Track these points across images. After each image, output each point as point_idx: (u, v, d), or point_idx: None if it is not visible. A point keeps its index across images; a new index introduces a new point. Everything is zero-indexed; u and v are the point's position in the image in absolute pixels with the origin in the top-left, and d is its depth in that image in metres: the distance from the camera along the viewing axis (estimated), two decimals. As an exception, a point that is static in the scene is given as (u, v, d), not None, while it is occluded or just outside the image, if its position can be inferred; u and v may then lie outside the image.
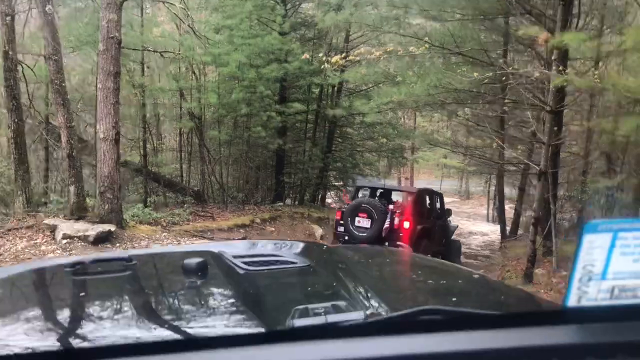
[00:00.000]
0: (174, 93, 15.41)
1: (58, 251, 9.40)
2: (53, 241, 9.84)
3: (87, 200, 11.46)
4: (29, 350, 1.21)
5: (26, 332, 1.35)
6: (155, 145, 15.66)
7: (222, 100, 14.07)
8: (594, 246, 1.01)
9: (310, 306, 1.26)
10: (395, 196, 12.38)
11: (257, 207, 15.77)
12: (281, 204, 16.46)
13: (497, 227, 24.21)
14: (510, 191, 32.31)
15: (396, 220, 10.13)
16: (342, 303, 1.31)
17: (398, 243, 9.89)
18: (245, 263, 1.83)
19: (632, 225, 1.02)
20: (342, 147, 20.40)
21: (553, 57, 6.76)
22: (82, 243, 9.75)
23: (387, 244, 9.87)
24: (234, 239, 13.31)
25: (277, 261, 1.95)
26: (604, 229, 1.01)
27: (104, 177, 10.52)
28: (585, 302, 1.04)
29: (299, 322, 1.19)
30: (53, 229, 10.12)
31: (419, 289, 1.93)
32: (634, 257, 1.02)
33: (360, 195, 11.64)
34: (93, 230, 9.93)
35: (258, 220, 14.71)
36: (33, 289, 1.88)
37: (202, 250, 2.13)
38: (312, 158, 17.14)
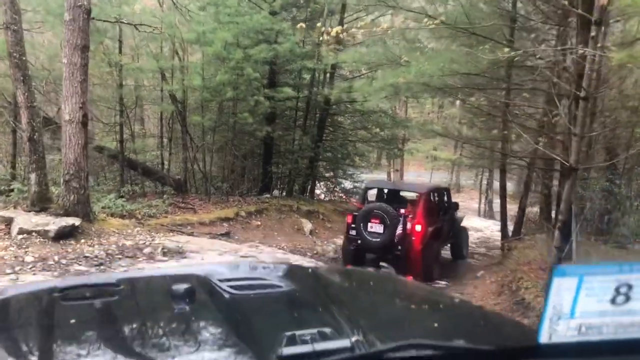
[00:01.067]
0: (155, 74, 14.06)
1: (12, 248, 8.09)
2: (7, 236, 8.52)
3: (53, 189, 10.13)
4: None
5: (11, 356, 1.35)
6: (133, 130, 14.29)
7: (206, 83, 12.74)
8: (562, 288, 1.07)
9: (297, 332, 1.30)
10: (403, 194, 12.18)
11: (243, 199, 14.51)
12: (268, 195, 15.21)
13: (490, 223, 23.24)
14: (509, 187, 31.39)
15: (408, 225, 9.99)
16: (328, 330, 1.36)
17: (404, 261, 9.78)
18: (231, 287, 1.82)
19: (596, 270, 1.08)
20: (334, 137, 19.15)
21: (592, 34, 5.55)
22: (41, 239, 8.46)
23: (399, 248, 9.92)
24: (216, 234, 12.07)
25: (263, 285, 1.94)
26: (571, 272, 1.07)
27: (69, 163, 9.21)
28: (555, 339, 1.09)
29: (287, 351, 1.21)
30: (9, 222, 8.81)
31: (406, 318, 1.91)
32: (598, 298, 1.07)
33: (369, 196, 11.42)
34: (54, 224, 8.63)
35: (243, 213, 13.46)
36: (20, 314, 1.84)
37: (189, 273, 2.11)
38: (302, 147, 15.89)
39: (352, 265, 10.85)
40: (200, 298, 1.77)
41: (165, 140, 14.78)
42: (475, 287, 11.60)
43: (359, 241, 10.16)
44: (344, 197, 19.40)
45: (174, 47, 13.41)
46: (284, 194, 16.70)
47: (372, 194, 11.89)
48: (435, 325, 1.80)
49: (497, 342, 1.59)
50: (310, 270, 2.49)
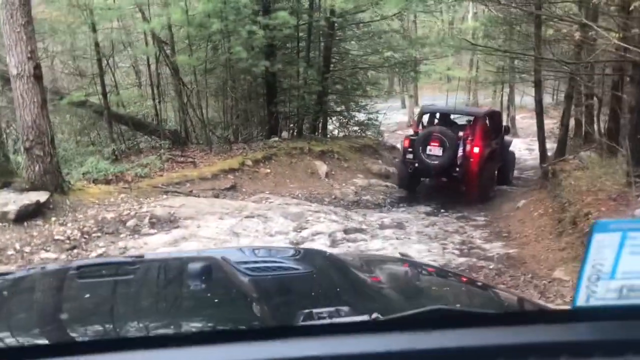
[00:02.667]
0: (132, 12, 12.01)
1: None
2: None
3: (20, 160, 8.43)
4: (27, 343, 1.24)
5: (27, 329, 1.38)
6: (116, 81, 12.37)
7: (191, 19, 10.69)
8: (603, 245, 0.98)
9: (315, 310, 1.27)
10: (456, 118, 12.08)
11: (248, 146, 12.71)
12: (276, 139, 13.38)
13: (517, 140, 21.26)
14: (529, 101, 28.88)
15: (467, 147, 10.12)
16: (345, 308, 1.31)
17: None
18: (248, 269, 1.77)
19: None
20: (342, 67, 17.02)
21: None
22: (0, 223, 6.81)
23: (457, 170, 10.15)
24: (220, 189, 10.38)
25: (280, 267, 1.90)
26: (614, 228, 0.98)
27: (27, 127, 7.45)
28: (593, 302, 1.00)
29: (304, 324, 1.20)
30: (-38, 204, 7.16)
31: (424, 294, 1.90)
32: None
33: (426, 120, 11.53)
34: (15, 203, 6.95)
35: (249, 162, 11.69)
36: (38, 290, 1.82)
37: (205, 256, 2.06)
38: (307, 82, 13.87)
39: (407, 188, 11.21)
40: (216, 277, 1.69)
41: (155, 88, 12.79)
42: (522, 222, 9.80)
43: (417, 164, 10.31)
44: (358, 131, 17.52)
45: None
46: (294, 135, 14.85)
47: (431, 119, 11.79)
48: (461, 299, 1.78)
49: (526, 307, 1.66)
50: (327, 254, 2.43)
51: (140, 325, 1.36)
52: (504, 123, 12.22)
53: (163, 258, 2.50)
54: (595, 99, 11.76)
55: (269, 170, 11.86)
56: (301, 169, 12.46)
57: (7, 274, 1.96)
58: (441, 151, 10.06)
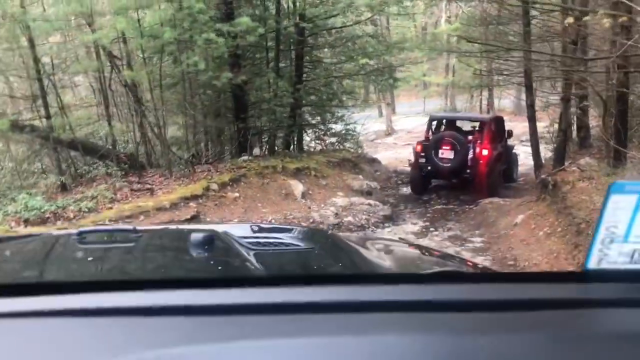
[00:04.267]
0: (80, 24, 10.41)
1: None
2: None
3: None
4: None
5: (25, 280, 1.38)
6: (61, 101, 10.73)
7: (136, 25, 9.15)
8: (618, 207, 0.94)
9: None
10: (461, 124, 12.56)
11: (214, 167, 11.16)
12: (246, 157, 11.86)
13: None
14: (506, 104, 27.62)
15: (477, 150, 10.63)
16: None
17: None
18: (249, 243, 1.69)
19: None
20: (315, 76, 15.58)
21: None
22: None
23: (468, 171, 10.73)
24: (180, 221, 8.82)
25: (282, 243, 1.86)
26: (630, 189, 0.94)
27: None
28: (605, 265, 0.99)
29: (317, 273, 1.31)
30: None
31: (433, 267, 1.82)
32: None
33: (434, 126, 11.98)
34: None
35: (215, 186, 10.15)
36: (40, 253, 1.82)
37: (207, 229, 1.95)
38: (277, 94, 12.39)
39: (420, 191, 11.63)
40: (219, 247, 1.68)
41: (107, 108, 11.17)
42: (526, 245, 8.34)
43: (429, 167, 10.89)
44: (336, 143, 16.09)
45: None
46: (266, 152, 13.36)
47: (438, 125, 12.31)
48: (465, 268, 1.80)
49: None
50: (328, 232, 2.45)
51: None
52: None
53: (165, 228, 2.50)
54: (590, 99, 10.50)
55: (237, 194, 10.33)
56: (274, 190, 10.96)
57: (10, 238, 2.24)
58: (453, 154, 10.60)
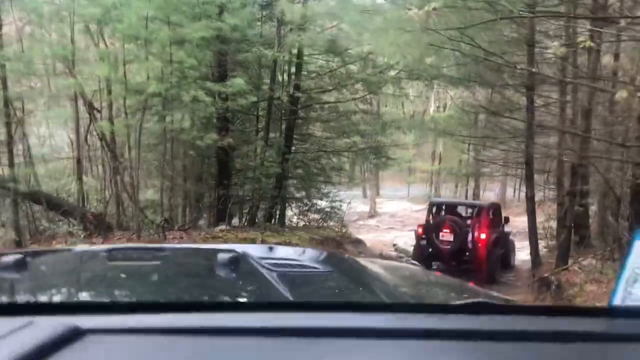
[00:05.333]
0: (60, 69, 9.60)
1: None
2: None
3: None
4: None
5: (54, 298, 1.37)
6: (29, 149, 9.72)
7: (120, 75, 8.36)
8: None
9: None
10: (460, 209, 12.86)
11: (187, 235, 10.06)
12: (224, 227, 10.79)
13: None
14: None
15: (476, 234, 10.89)
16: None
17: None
18: (270, 264, 1.63)
19: None
20: (305, 149, 14.87)
21: None
22: None
23: (467, 254, 10.94)
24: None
25: (301, 265, 1.81)
26: None
27: None
28: (629, 302, 1.08)
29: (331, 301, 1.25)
30: None
31: (460, 297, 1.73)
32: None
33: (434, 210, 12.19)
34: None
35: (185, 256, 9.02)
36: (71, 269, 1.79)
37: (227, 249, 1.82)
38: (264, 162, 11.54)
39: None
40: (243, 268, 1.64)
41: (80, 160, 10.15)
42: None
43: (430, 249, 11.16)
44: (319, 220, 15.12)
45: (72, 28, 8.80)
46: (246, 222, 12.32)
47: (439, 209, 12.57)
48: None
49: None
50: (346, 256, 2.35)
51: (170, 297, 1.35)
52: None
53: (190, 247, 2.66)
54: (592, 195, 9.83)
55: (209, 267, 9.20)
56: (250, 266, 9.84)
57: (38, 252, 2.23)
58: (453, 237, 10.84)
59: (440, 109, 30.31)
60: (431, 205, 12.65)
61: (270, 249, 2.33)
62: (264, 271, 1.57)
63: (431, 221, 11.60)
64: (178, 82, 8.54)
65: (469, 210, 12.62)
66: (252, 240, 10.48)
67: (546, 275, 8.82)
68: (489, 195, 29.87)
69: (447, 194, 30.58)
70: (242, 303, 1.27)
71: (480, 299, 1.16)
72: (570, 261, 9.16)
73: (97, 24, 8.61)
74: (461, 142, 14.83)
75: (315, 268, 1.82)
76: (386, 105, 27.87)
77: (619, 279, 1.07)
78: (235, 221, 12.33)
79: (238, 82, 8.80)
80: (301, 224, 14.86)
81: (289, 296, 1.38)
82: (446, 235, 10.85)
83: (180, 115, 8.46)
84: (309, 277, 1.71)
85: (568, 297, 7.75)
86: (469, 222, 11.39)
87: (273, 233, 11.33)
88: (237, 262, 1.60)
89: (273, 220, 12.85)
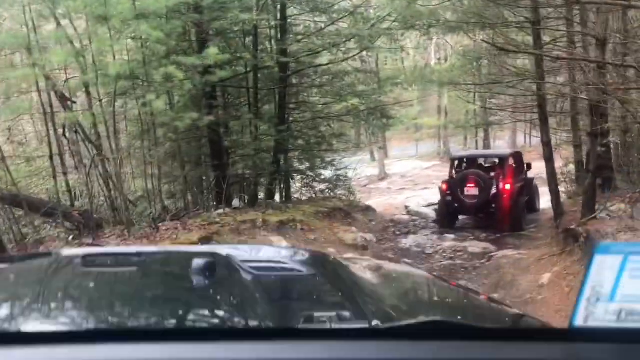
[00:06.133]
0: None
1: None
2: None
3: None
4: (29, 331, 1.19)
5: (29, 315, 1.33)
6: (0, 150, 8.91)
7: (83, 59, 7.46)
8: (604, 267, 0.94)
9: (316, 313, 1.24)
10: (481, 161, 12.76)
11: (182, 224, 9.28)
12: (221, 211, 10.00)
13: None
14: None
15: (501, 185, 10.83)
16: (346, 313, 1.29)
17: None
18: (252, 268, 1.62)
19: None
20: (302, 118, 13.95)
21: None
22: None
23: (493, 206, 10.88)
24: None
25: (284, 268, 1.79)
26: (615, 251, 0.96)
27: None
28: (591, 323, 0.97)
29: (304, 327, 1.18)
30: None
31: (425, 304, 1.81)
32: None
33: (456, 165, 12.20)
34: None
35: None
36: (43, 277, 1.71)
37: (210, 252, 1.92)
38: (257, 137, 10.65)
39: (448, 226, 11.52)
40: (220, 273, 1.62)
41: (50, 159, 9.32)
42: (563, 316, 6.52)
43: (456, 205, 11.12)
44: (326, 190, 14.31)
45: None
46: (246, 203, 11.51)
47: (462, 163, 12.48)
48: (459, 309, 1.72)
49: (524, 324, 1.53)
50: (331, 257, 2.30)
51: (140, 317, 1.29)
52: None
53: (168, 251, 2.42)
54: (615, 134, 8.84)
55: (207, 257, 8.44)
56: (252, 250, 9.08)
57: (13, 257, 2.13)
58: (478, 191, 10.79)
59: (442, 61, 29.06)
60: (452, 160, 12.64)
61: (255, 249, 2.31)
62: (243, 275, 1.54)
63: (454, 176, 11.55)
64: (146, 60, 7.60)
65: (491, 161, 12.51)
66: (252, 221, 9.70)
67: (572, 227, 7.91)
68: (500, 144, 28.83)
69: (456, 148, 29.56)
70: (208, 331, 1.16)
71: (432, 318, 1.07)
72: (597, 208, 8.25)
73: (51, 3, 7.61)
74: (466, 93, 13.82)
75: (298, 271, 1.78)
76: (386, 64, 26.76)
77: (579, 297, 0.86)
78: (235, 203, 11.53)
79: (212, 52, 7.83)
80: (307, 197, 14.07)
81: (264, 305, 1.33)
82: (471, 190, 10.82)
83: (152, 96, 7.51)
84: (289, 280, 1.69)
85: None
86: (492, 174, 11.26)
87: (275, 211, 10.52)
88: (214, 269, 1.57)
89: (276, 197, 12.03)
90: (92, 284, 1.60)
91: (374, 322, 1.14)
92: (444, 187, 11.49)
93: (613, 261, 0.93)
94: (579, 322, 0.95)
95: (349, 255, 6.81)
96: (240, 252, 1.94)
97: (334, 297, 1.59)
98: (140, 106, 7.89)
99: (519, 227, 10.90)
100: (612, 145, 9.65)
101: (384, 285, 1.86)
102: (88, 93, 9.21)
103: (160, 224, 9.19)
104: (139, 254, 1.81)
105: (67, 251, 2.74)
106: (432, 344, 1.00)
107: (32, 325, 1.22)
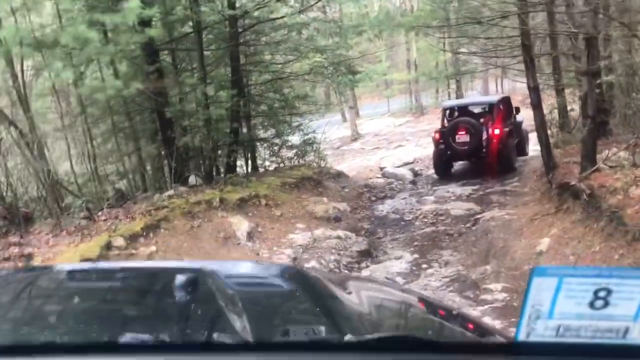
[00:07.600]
0: None
1: None
2: None
3: None
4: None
5: (8, 329, 1.34)
6: None
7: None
8: (542, 288, 0.99)
9: (293, 327, 1.32)
10: (472, 108, 12.83)
11: (124, 212, 7.86)
12: (170, 192, 8.60)
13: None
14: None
15: (490, 130, 11.09)
16: (322, 327, 1.34)
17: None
18: (234, 283, 1.65)
19: (576, 272, 1.01)
20: (262, 81, 12.43)
21: None
22: None
23: (484, 151, 11.14)
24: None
25: (265, 284, 1.82)
26: (551, 273, 1.00)
27: None
28: (533, 338, 1.02)
29: (282, 340, 1.22)
30: None
31: (396, 319, 1.87)
32: (577, 301, 0.99)
33: (448, 114, 12.44)
34: None
35: (120, 242, 6.78)
36: (22, 291, 1.69)
37: (195, 267, 1.90)
38: (207, 104, 9.14)
39: (443, 174, 11.94)
40: (202, 289, 1.61)
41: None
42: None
43: (449, 152, 11.43)
44: (295, 158, 12.97)
45: None
46: (205, 180, 10.07)
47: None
48: (424, 323, 1.78)
49: (475, 338, 1.61)
50: (312, 273, 2.40)
51: (122, 332, 1.28)
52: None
53: (153, 266, 2.48)
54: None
55: (154, 248, 7.00)
56: (209, 235, 7.70)
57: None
58: (469, 137, 10.99)
59: (408, 12, 27.34)
60: (444, 109, 12.81)
61: (240, 265, 2.45)
62: (226, 291, 1.55)
63: (446, 125, 11.72)
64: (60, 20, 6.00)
65: (480, 108, 12.68)
66: (208, 201, 8.33)
67: (572, 182, 6.70)
68: (472, 94, 27.57)
69: (429, 101, 28.24)
70: (189, 345, 1.16)
71: (396, 334, 1.19)
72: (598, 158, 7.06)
73: None
74: (437, 42, 12.49)
75: (278, 286, 1.83)
76: (351, 20, 24.97)
77: (522, 314, 0.94)
78: (192, 180, 10.10)
79: (133, 4, 6.24)
80: (274, 166, 12.70)
81: (245, 319, 1.32)
82: (462, 137, 11.02)
83: (67, 64, 5.96)
84: (270, 295, 1.72)
85: (611, 209, 5.68)
86: (482, 120, 11.48)
87: (234, 187, 9.14)
88: (197, 285, 1.60)
89: (235, 171, 10.62)
90: (75, 300, 1.57)
91: (347, 336, 1.15)
92: (437, 136, 11.62)
93: (549, 283, 0.96)
94: (521, 337, 0.99)
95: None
96: (225, 268, 1.97)
97: (311, 312, 1.62)
98: (53, 78, 6.29)
99: (510, 166, 11.19)
100: (604, 86, 8.46)
101: (360, 299, 1.82)
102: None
103: (99, 213, 7.80)
104: (122, 269, 1.88)
105: (55, 266, 2.76)
106: (394, 356, 1.06)
107: (10, 339, 1.22)
